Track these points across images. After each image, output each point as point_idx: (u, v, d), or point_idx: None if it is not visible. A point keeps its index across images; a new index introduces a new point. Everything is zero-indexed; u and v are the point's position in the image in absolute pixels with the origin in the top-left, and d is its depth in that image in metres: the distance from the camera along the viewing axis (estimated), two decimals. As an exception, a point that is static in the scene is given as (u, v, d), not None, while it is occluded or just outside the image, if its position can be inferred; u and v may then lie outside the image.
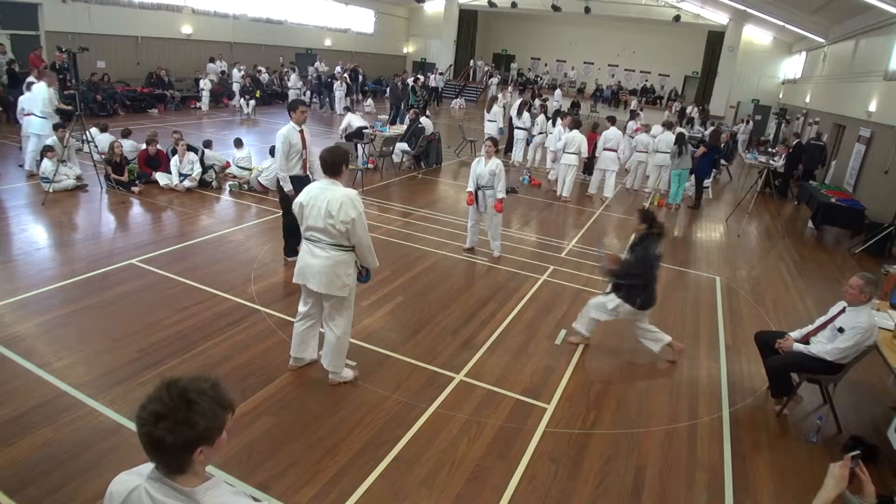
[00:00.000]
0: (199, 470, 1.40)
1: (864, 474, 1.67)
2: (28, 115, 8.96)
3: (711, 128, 14.36)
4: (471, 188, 6.72)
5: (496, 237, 6.87)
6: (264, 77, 19.61)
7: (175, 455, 1.34)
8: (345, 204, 3.57)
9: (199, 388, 1.35)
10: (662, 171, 11.47)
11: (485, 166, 6.52)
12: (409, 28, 30.27)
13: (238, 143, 9.63)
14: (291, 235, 5.99)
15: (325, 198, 3.60)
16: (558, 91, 24.01)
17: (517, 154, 13.08)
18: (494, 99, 14.22)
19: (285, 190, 5.82)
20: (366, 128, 11.82)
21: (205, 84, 16.70)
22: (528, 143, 12.85)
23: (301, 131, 5.74)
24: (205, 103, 16.79)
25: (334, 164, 3.67)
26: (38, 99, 8.47)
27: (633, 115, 16.33)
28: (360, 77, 23.04)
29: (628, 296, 4.62)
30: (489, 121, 13.19)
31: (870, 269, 7.27)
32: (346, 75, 20.35)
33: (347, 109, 12.98)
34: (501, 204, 6.53)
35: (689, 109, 20.43)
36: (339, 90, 19.31)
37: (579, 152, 10.15)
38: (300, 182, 5.57)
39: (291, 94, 18.60)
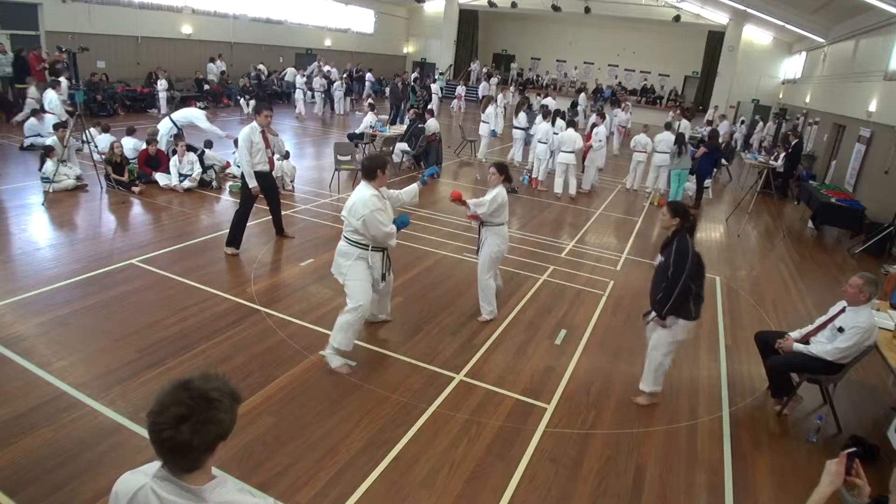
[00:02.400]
0: (209, 467, 1.39)
1: (862, 478, 1.66)
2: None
3: (708, 127, 14.41)
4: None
5: (485, 296, 5.29)
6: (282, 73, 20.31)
7: (199, 455, 1.33)
8: (357, 203, 4.03)
9: (214, 385, 1.35)
10: (661, 171, 11.51)
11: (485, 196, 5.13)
12: (409, 28, 30.25)
13: (237, 144, 9.61)
14: (238, 229, 6.33)
15: (353, 196, 4.14)
16: (582, 95, 22.34)
17: (517, 154, 13.08)
18: (490, 99, 14.19)
19: (249, 186, 6.22)
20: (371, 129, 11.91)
21: (161, 85, 15.31)
22: (527, 143, 12.85)
23: (263, 132, 6.19)
24: (161, 105, 15.26)
25: (369, 169, 4.12)
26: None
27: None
28: (367, 77, 23.22)
29: (682, 308, 3.93)
30: (483, 122, 13.21)
31: (870, 269, 7.26)
32: (345, 76, 20.38)
33: (372, 107, 12.94)
34: (468, 213, 5.20)
35: (710, 113, 20.24)
36: (338, 90, 19.33)
37: (575, 151, 10.18)
38: (265, 178, 6.34)
39: (298, 95, 18.55)
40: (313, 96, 18.42)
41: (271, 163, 6.43)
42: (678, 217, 3.98)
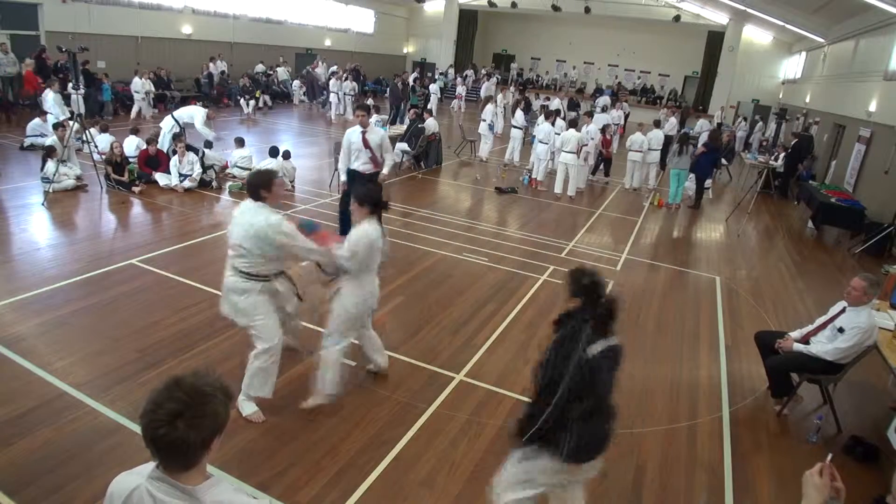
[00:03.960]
0: (205, 466, 1.39)
1: (837, 479, 1.64)
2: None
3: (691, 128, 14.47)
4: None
5: (326, 369, 3.77)
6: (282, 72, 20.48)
7: (195, 451, 1.32)
8: (262, 228, 3.35)
9: (206, 381, 1.35)
10: (651, 168, 11.82)
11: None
12: (409, 28, 30.25)
13: (240, 143, 9.62)
14: (343, 222, 6.35)
15: (243, 219, 3.45)
16: (605, 98, 20.37)
17: (515, 154, 13.09)
18: (490, 99, 14.22)
19: (340, 180, 6.42)
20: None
21: (138, 84, 14.05)
22: (530, 143, 12.85)
23: (364, 132, 6.25)
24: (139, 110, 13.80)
25: (253, 186, 3.47)
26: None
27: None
28: (362, 77, 23.17)
29: (547, 437, 2.39)
30: (482, 120, 13.27)
31: (870, 269, 7.27)
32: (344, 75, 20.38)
33: (377, 109, 13.04)
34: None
35: (718, 115, 20.13)
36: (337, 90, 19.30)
37: (577, 151, 10.19)
38: (360, 177, 6.25)
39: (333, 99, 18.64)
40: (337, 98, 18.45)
41: (374, 162, 6.35)
42: (578, 294, 2.47)
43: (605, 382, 2.43)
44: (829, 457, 1.69)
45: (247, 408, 3.65)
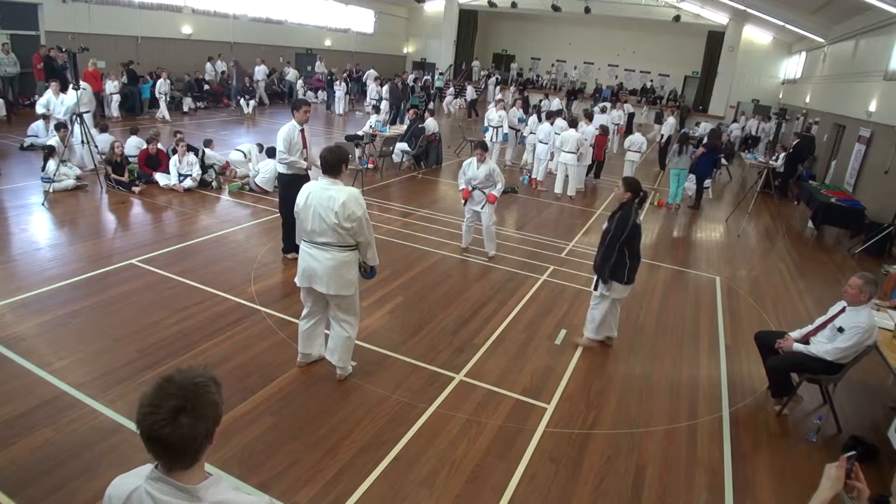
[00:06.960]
0: (203, 463, 1.39)
1: (861, 481, 1.66)
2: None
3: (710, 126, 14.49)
4: (464, 186, 6.80)
5: (491, 238, 6.89)
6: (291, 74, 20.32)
7: (199, 446, 1.32)
8: (348, 202, 3.61)
9: (196, 373, 1.36)
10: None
11: (477, 169, 6.64)
12: (409, 28, 30.25)
13: (259, 149, 9.60)
14: (289, 234, 6.12)
15: (327, 197, 3.64)
16: (605, 104, 18.94)
17: (509, 153, 13.14)
18: (500, 102, 14.28)
19: (298, 165, 5.87)
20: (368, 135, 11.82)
21: (110, 86, 13.69)
22: (520, 142, 12.93)
23: (302, 130, 5.85)
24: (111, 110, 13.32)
25: (335, 163, 3.71)
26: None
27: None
28: (362, 77, 23.14)
29: (616, 272, 4.61)
30: (488, 120, 13.31)
31: (870, 269, 7.26)
32: (345, 75, 20.39)
33: (376, 109, 13.14)
34: (494, 198, 6.64)
35: (730, 132, 19.84)
36: (338, 90, 19.33)
37: (576, 151, 10.19)
38: (299, 181, 5.75)
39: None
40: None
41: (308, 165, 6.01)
42: (630, 191, 4.58)
43: (638, 239, 4.64)
44: (852, 453, 1.71)
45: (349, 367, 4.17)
